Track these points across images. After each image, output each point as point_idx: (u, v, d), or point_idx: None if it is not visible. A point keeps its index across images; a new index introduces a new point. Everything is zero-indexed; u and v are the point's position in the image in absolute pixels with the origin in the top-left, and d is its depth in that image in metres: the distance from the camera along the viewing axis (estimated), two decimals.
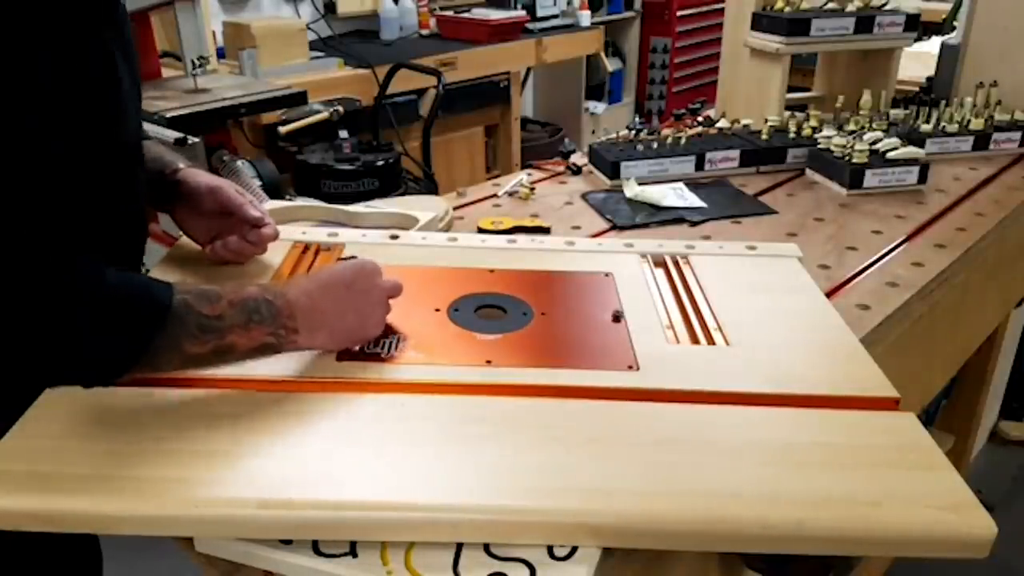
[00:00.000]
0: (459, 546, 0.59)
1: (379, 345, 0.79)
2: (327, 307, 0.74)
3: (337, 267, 0.78)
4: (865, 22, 1.53)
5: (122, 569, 1.10)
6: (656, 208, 1.28)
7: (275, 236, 0.92)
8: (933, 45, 2.14)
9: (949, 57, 1.75)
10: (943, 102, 1.67)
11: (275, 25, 2.68)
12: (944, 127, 1.54)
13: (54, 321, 0.61)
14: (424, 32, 3.31)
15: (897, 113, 1.56)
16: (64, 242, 0.63)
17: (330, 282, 0.75)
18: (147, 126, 1.90)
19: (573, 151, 1.50)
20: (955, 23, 2.29)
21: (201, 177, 0.92)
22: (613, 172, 1.38)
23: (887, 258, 1.11)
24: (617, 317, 0.86)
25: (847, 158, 1.36)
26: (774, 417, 0.71)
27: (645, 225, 1.22)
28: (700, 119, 1.55)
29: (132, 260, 0.86)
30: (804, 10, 1.56)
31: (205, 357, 0.67)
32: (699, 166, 1.42)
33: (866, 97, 1.56)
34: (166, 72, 2.31)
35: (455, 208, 1.28)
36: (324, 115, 2.35)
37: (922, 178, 1.35)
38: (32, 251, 0.61)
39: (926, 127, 1.54)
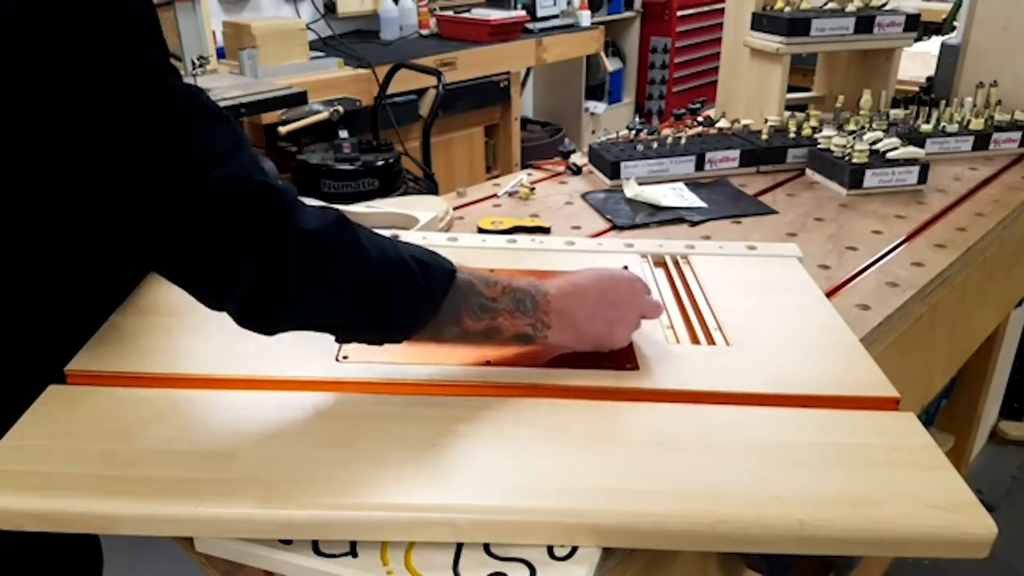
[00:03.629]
0: (459, 546, 0.59)
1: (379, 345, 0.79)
2: (578, 311, 0.76)
3: (600, 273, 0.80)
4: (865, 22, 1.53)
5: (122, 569, 1.10)
6: (656, 208, 1.28)
7: None
8: (933, 45, 2.14)
9: (949, 57, 1.75)
10: (943, 102, 1.67)
11: (275, 25, 2.68)
12: (944, 127, 1.54)
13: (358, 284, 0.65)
14: (424, 32, 3.31)
15: (897, 113, 1.56)
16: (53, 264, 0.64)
17: (587, 287, 0.78)
18: None
19: (573, 151, 1.50)
20: (955, 23, 2.30)
21: None
22: (613, 172, 1.38)
23: (887, 258, 1.11)
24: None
25: (847, 158, 1.36)
26: (774, 417, 0.71)
27: (645, 225, 1.22)
28: (700, 119, 1.55)
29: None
30: (804, 10, 1.56)
31: (476, 333, 0.72)
32: (699, 166, 1.42)
33: (866, 97, 1.56)
34: None
35: (455, 208, 1.28)
36: (324, 115, 2.35)
37: (922, 178, 1.35)
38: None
39: (926, 127, 1.54)
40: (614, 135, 1.48)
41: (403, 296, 0.67)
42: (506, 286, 0.73)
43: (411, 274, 0.67)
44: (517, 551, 0.58)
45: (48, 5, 0.55)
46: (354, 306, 0.65)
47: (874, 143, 1.38)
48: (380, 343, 0.71)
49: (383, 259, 0.66)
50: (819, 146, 1.43)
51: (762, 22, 1.57)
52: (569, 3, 3.54)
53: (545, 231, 1.19)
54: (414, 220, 1.12)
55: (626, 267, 0.88)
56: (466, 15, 3.21)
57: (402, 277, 0.67)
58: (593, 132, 4.10)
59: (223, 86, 2.17)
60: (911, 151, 1.36)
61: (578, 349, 0.78)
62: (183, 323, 0.81)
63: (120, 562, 1.06)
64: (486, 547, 0.59)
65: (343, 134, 2.39)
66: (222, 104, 2.01)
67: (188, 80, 2.08)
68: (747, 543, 0.60)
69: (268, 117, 2.37)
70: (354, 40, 3.16)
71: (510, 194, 1.35)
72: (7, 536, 0.59)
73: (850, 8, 1.56)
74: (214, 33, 2.60)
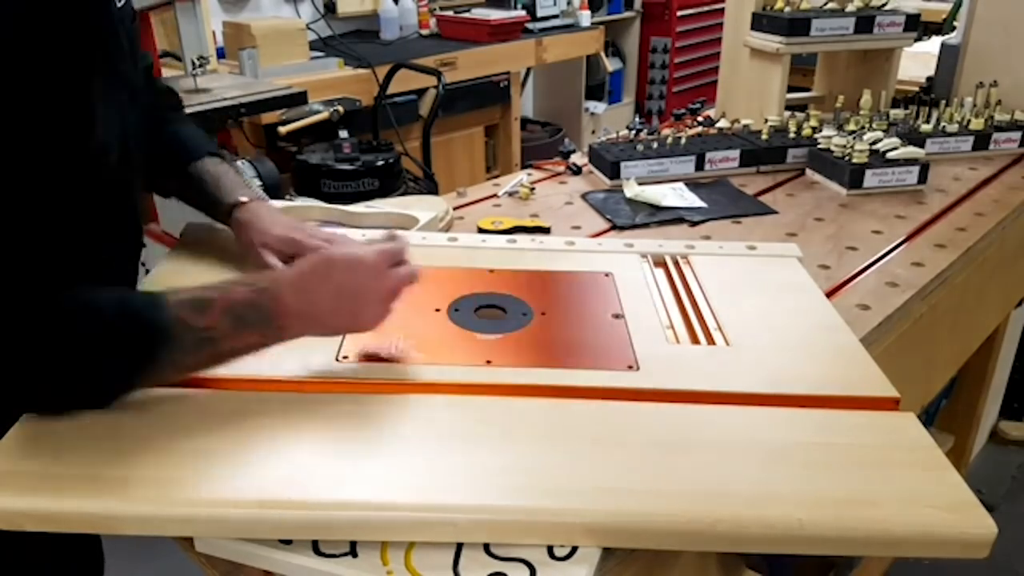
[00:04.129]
0: (459, 546, 0.59)
1: (379, 345, 0.79)
2: (316, 307, 0.71)
3: (334, 260, 0.73)
4: (865, 22, 1.53)
5: (122, 569, 1.10)
6: (656, 208, 1.28)
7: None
8: (933, 45, 2.14)
9: (949, 57, 1.75)
10: (943, 102, 1.67)
11: (275, 25, 2.68)
12: (944, 127, 1.54)
13: (50, 360, 0.63)
14: (424, 32, 3.30)
15: (897, 113, 1.56)
16: (51, 279, 0.64)
17: (321, 284, 0.72)
18: None
19: (573, 151, 1.50)
20: (955, 23, 2.30)
21: (266, 223, 0.91)
22: (613, 172, 1.38)
23: (887, 258, 1.11)
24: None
25: (847, 158, 1.36)
26: (774, 417, 0.71)
27: (645, 225, 1.22)
28: (700, 119, 1.55)
29: (127, 264, 0.86)
30: (804, 10, 1.56)
31: (201, 365, 0.69)
32: (699, 166, 1.42)
33: (866, 97, 1.56)
34: (166, 72, 2.31)
35: (455, 208, 1.28)
36: (324, 115, 2.35)
37: (922, 178, 1.35)
38: (20, 295, 0.62)
39: (926, 127, 1.54)
40: (614, 135, 1.48)
41: (104, 368, 0.65)
42: (225, 305, 0.68)
43: (111, 344, 0.64)
44: (517, 551, 0.58)
45: None
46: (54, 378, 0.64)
47: (874, 143, 1.38)
48: (87, 408, 0.68)
49: (92, 326, 0.64)
50: (819, 146, 1.43)
51: (762, 22, 1.57)
52: (569, 3, 3.54)
53: (545, 231, 1.19)
54: (414, 220, 1.12)
55: (394, 236, 0.79)
56: (466, 15, 3.20)
57: (105, 347, 0.64)
58: (593, 132, 4.10)
59: (223, 86, 2.17)
60: (911, 151, 1.36)
61: (327, 336, 0.77)
62: None
63: (120, 562, 1.06)
64: (486, 547, 0.59)
65: (343, 134, 2.39)
66: (222, 104, 2.01)
67: (188, 80, 2.07)
68: (747, 543, 0.60)
69: (268, 117, 2.36)
70: (354, 40, 3.16)
71: (510, 194, 1.35)
72: (8, 536, 0.59)
73: (850, 8, 1.56)
74: (214, 33, 2.59)
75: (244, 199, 0.92)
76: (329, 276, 0.72)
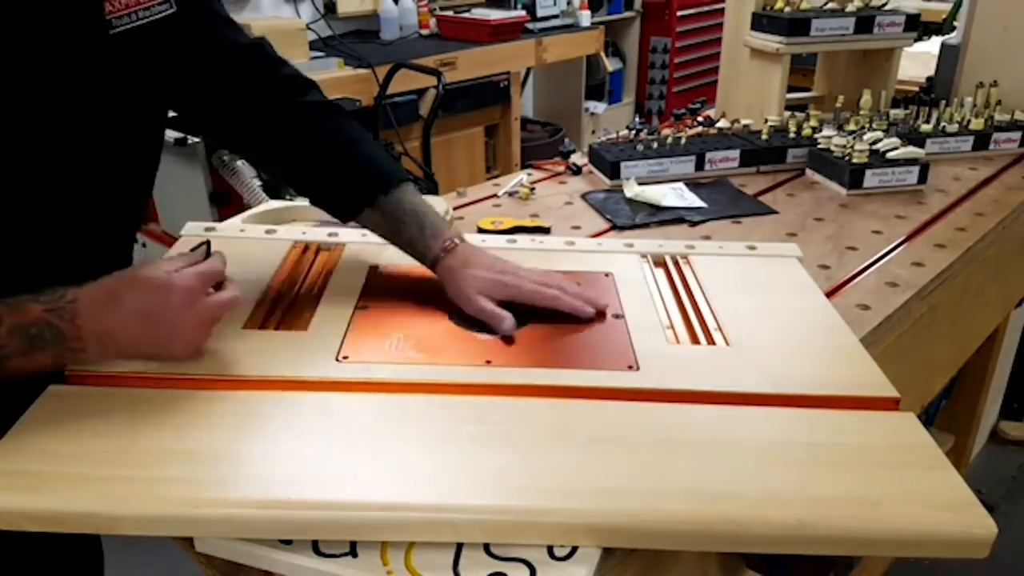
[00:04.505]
0: (459, 546, 0.59)
1: (379, 345, 0.79)
2: (119, 332, 0.67)
3: (143, 281, 0.69)
4: (865, 22, 1.53)
5: (122, 569, 1.10)
6: (656, 208, 1.28)
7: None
8: (933, 45, 2.14)
9: (949, 57, 1.75)
10: (943, 102, 1.67)
11: (275, 25, 2.68)
12: (944, 127, 1.54)
13: None
14: (424, 32, 3.31)
15: (897, 113, 1.56)
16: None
17: (126, 307, 0.67)
18: None
19: (573, 151, 1.50)
20: (955, 23, 2.30)
21: (476, 267, 0.86)
22: (613, 172, 1.38)
23: (887, 258, 1.11)
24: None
25: (847, 158, 1.36)
26: (774, 417, 0.71)
27: (645, 225, 1.22)
28: (700, 119, 1.55)
29: (112, 260, 0.84)
30: (804, 10, 1.56)
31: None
32: (699, 166, 1.42)
33: (866, 97, 1.56)
34: None
35: (455, 208, 1.28)
36: None
37: (922, 178, 1.35)
38: None
39: (926, 127, 1.54)
40: (614, 135, 1.48)
41: None
42: (14, 324, 0.64)
43: None
44: (517, 551, 0.58)
45: None
46: None
47: (874, 143, 1.38)
48: None
49: None
50: (819, 146, 1.43)
51: (762, 22, 1.57)
52: (569, 3, 3.54)
53: (545, 231, 1.19)
54: None
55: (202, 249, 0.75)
56: (466, 15, 3.20)
57: None
58: (593, 132, 4.10)
59: None
60: (911, 151, 1.36)
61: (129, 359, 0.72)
62: None
63: (120, 562, 1.06)
64: (486, 547, 0.59)
65: None
66: None
67: None
68: (747, 543, 0.60)
69: None
70: (354, 40, 3.16)
71: (510, 194, 1.35)
72: (7, 536, 0.59)
73: (850, 8, 1.56)
74: None
75: (451, 242, 0.88)
76: (137, 299, 0.68)
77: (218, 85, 0.87)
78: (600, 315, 0.87)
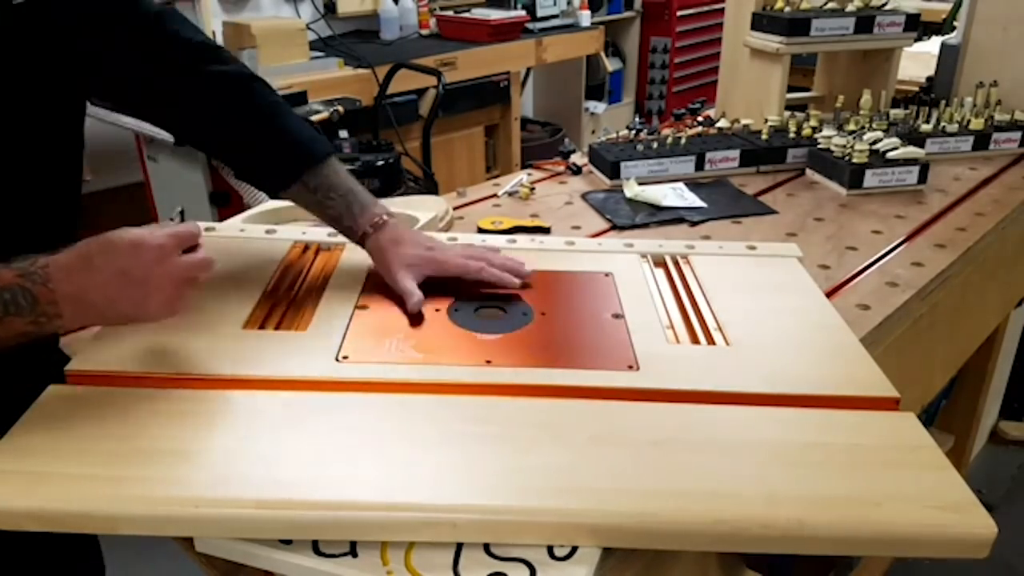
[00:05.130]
0: (459, 546, 0.59)
1: (379, 345, 0.79)
2: (94, 293, 0.66)
3: (117, 244, 0.67)
4: (865, 22, 1.53)
5: (122, 569, 1.10)
6: (656, 208, 1.28)
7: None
8: (933, 45, 2.14)
9: (949, 57, 1.75)
10: (943, 102, 1.67)
11: (275, 25, 2.68)
12: (944, 127, 1.54)
13: None
14: (424, 32, 3.31)
15: (897, 113, 1.56)
16: None
17: (102, 265, 0.66)
18: None
19: (573, 151, 1.50)
20: (955, 23, 2.30)
21: (406, 244, 0.89)
22: (613, 172, 1.38)
23: (887, 258, 1.11)
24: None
25: (847, 158, 1.36)
26: (774, 417, 0.71)
27: (645, 225, 1.22)
28: (700, 119, 1.55)
29: None
30: (804, 10, 1.56)
31: None
32: (699, 166, 1.42)
33: (866, 97, 1.56)
34: None
35: (455, 208, 1.28)
36: (324, 115, 2.35)
37: (922, 178, 1.35)
38: None
39: (926, 127, 1.54)
40: (614, 135, 1.48)
41: None
42: None
43: None
44: (517, 551, 0.58)
45: None
46: None
47: (874, 143, 1.38)
48: None
49: None
50: (819, 146, 1.44)
51: (762, 22, 1.57)
52: (569, 3, 3.54)
53: (545, 231, 1.19)
54: (414, 220, 1.12)
55: (176, 218, 0.78)
56: (466, 15, 3.20)
57: None
58: (593, 132, 4.10)
59: None
60: (911, 151, 1.36)
61: (108, 325, 0.72)
62: (182, 323, 0.81)
63: (120, 562, 1.06)
64: (486, 547, 0.59)
65: (343, 134, 2.39)
66: None
67: None
68: (747, 543, 0.60)
69: None
70: (354, 40, 3.16)
71: (510, 194, 1.35)
72: (8, 536, 0.59)
73: (850, 8, 1.56)
74: (214, 33, 2.60)
75: (380, 218, 0.89)
76: (110, 259, 0.66)
77: (132, 57, 0.85)
78: (525, 286, 0.90)
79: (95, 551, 0.98)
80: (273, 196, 0.93)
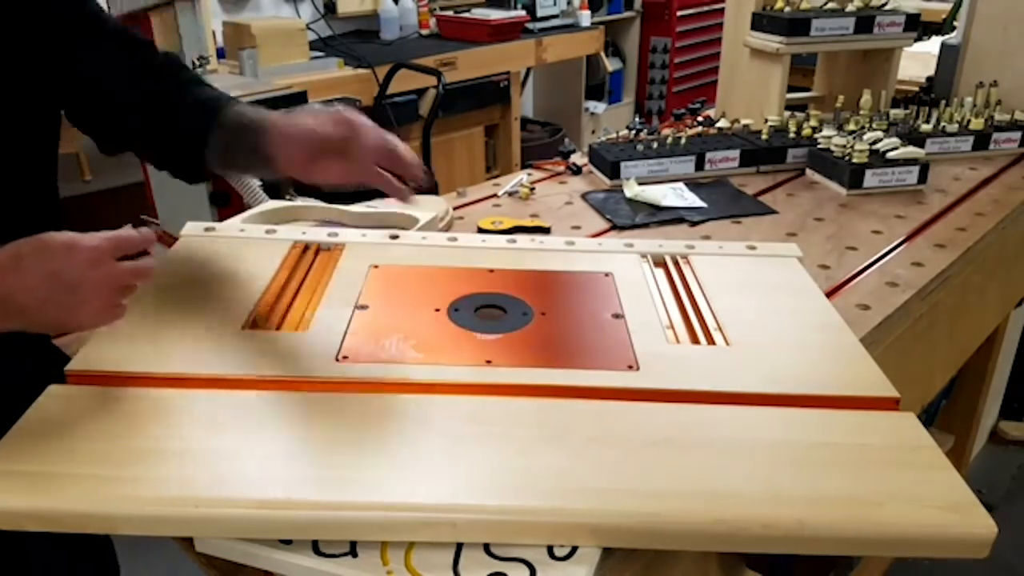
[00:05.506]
0: (459, 546, 0.59)
1: (379, 345, 0.79)
2: (21, 295, 0.62)
3: (50, 244, 0.63)
4: (865, 22, 1.53)
5: (123, 569, 1.10)
6: (656, 208, 1.28)
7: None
8: (933, 45, 2.14)
9: (949, 57, 1.75)
10: (943, 102, 1.67)
11: (275, 25, 2.68)
12: (944, 127, 1.54)
13: None
14: (424, 32, 3.31)
15: (897, 113, 1.56)
16: None
17: (31, 267, 0.62)
18: None
19: (573, 151, 1.50)
20: (955, 23, 2.30)
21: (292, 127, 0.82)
22: (613, 172, 1.38)
23: (887, 258, 1.11)
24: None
25: (847, 158, 1.36)
26: (774, 417, 0.71)
27: (645, 225, 1.22)
28: (700, 119, 1.55)
29: None
30: (804, 10, 1.56)
31: None
32: (699, 166, 1.42)
33: (866, 97, 1.56)
34: None
35: (455, 208, 1.28)
36: None
37: (922, 178, 1.35)
38: None
39: (926, 127, 1.54)
40: (614, 135, 1.48)
41: None
42: None
43: None
44: (517, 551, 0.58)
45: None
46: None
47: (874, 143, 1.38)
48: None
49: None
50: (819, 146, 1.44)
51: (762, 22, 1.57)
52: (569, 3, 3.54)
53: (545, 231, 1.19)
54: (414, 220, 1.12)
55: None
56: (466, 15, 3.20)
57: None
58: (593, 132, 4.10)
59: (223, 86, 2.17)
60: (911, 151, 1.36)
61: (34, 332, 0.67)
62: (182, 323, 0.81)
63: (121, 562, 1.06)
64: (486, 547, 0.59)
65: None
66: None
67: None
68: (747, 543, 0.60)
69: None
70: (354, 40, 3.16)
71: (510, 194, 1.35)
72: (21, 537, 0.58)
73: (850, 8, 1.56)
74: (214, 33, 2.60)
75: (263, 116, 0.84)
76: (41, 260, 0.62)
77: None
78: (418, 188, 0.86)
79: (108, 554, 0.97)
80: (194, 164, 0.89)
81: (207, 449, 0.64)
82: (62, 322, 0.65)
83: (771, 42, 1.54)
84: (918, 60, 2.03)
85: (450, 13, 3.27)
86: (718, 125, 1.53)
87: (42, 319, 0.64)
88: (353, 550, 0.58)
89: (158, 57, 0.90)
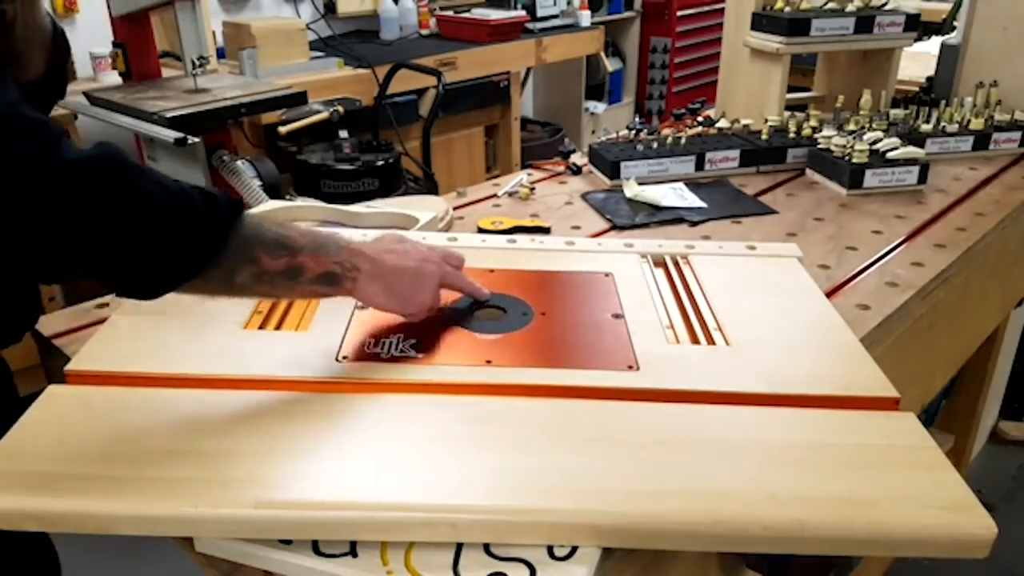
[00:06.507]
0: (459, 546, 0.59)
1: (379, 345, 0.79)
2: (386, 257, 0.76)
3: (402, 242, 0.80)
4: (865, 22, 1.53)
5: (125, 570, 1.10)
6: (656, 208, 1.28)
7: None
8: (933, 45, 2.14)
9: (949, 57, 1.75)
10: (943, 102, 1.67)
11: (275, 25, 2.68)
12: (944, 127, 1.54)
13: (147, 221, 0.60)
14: (424, 32, 3.31)
15: (897, 113, 1.56)
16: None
17: (392, 247, 0.78)
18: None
19: (573, 151, 1.50)
20: (955, 23, 2.29)
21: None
22: (613, 172, 1.38)
23: (887, 258, 1.11)
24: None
25: (847, 158, 1.36)
26: (774, 417, 0.71)
27: (645, 225, 1.22)
28: (700, 119, 1.55)
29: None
30: (804, 10, 1.56)
31: (277, 274, 0.68)
32: (699, 166, 1.42)
33: (866, 97, 1.56)
34: (166, 72, 2.31)
35: (455, 208, 1.28)
36: (324, 115, 2.35)
37: (922, 178, 1.35)
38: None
39: (926, 127, 1.54)
40: (614, 135, 1.48)
41: (184, 225, 0.61)
42: (304, 229, 0.71)
43: (191, 201, 0.62)
44: (517, 551, 0.58)
45: None
46: (124, 237, 0.59)
47: (874, 143, 1.38)
48: (161, 290, 0.63)
49: (160, 188, 0.61)
50: (819, 146, 1.43)
51: (762, 22, 1.57)
52: (569, 3, 3.54)
53: (545, 231, 1.19)
54: (414, 220, 1.12)
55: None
56: (466, 15, 3.20)
57: (181, 205, 0.61)
58: (593, 132, 4.10)
59: (223, 86, 2.17)
60: (911, 151, 1.36)
61: (385, 306, 0.77)
62: (182, 323, 0.81)
63: (121, 562, 1.06)
64: (486, 547, 0.59)
65: (343, 134, 2.39)
66: (222, 104, 2.02)
67: (188, 80, 2.07)
68: (747, 543, 0.60)
69: (268, 117, 2.37)
70: (354, 40, 3.16)
71: (510, 194, 1.35)
72: None
73: (850, 8, 1.56)
74: (214, 33, 2.60)
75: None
76: (392, 244, 0.78)
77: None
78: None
79: (48, 550, 0.96)
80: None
81: (207, 449, 0.64)
82: (409, 292, 0.78)
83: (771, 42, 1.54)
84: (918, 60, 2.03)
85: (450, 13, 3.27)
86: (718, 125, 1.53)
87: (399, 285, 0.76)
88: (353, 550, 0.58)
89: None
